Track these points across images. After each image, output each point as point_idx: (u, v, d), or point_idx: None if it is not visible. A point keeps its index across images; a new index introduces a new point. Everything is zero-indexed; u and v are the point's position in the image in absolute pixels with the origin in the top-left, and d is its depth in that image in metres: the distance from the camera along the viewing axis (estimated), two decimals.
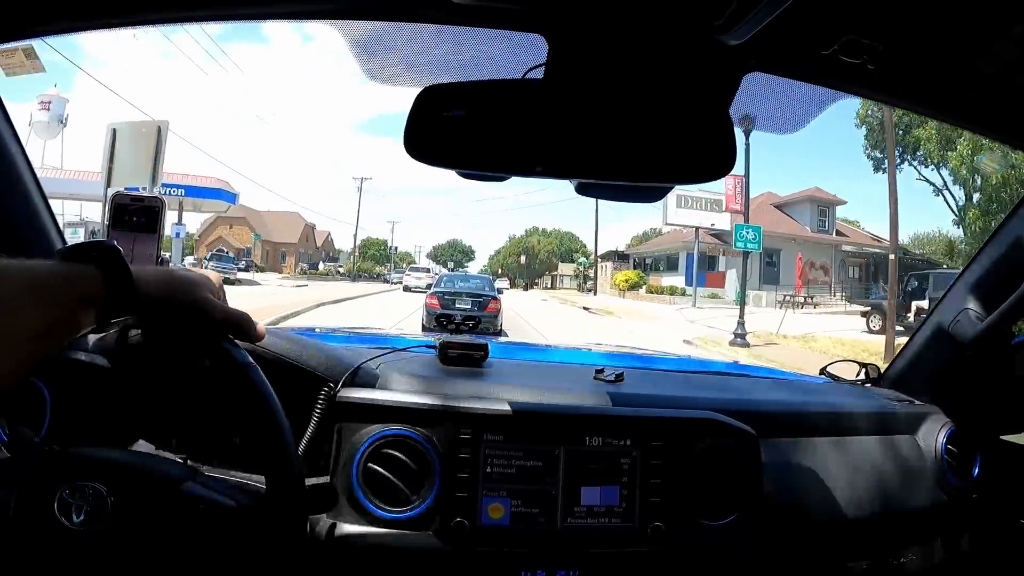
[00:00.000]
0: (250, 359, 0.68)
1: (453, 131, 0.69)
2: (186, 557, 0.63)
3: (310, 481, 0.81)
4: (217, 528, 0.63)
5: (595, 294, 35.64)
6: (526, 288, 58.69)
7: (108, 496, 0.61)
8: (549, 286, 62.68)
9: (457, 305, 10.10)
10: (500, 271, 66.02)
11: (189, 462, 0.89)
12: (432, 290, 10.89)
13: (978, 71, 0.77)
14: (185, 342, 0.64)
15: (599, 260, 42.07)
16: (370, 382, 0.90)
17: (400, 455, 0.82)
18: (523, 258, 64.12)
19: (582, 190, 0.78)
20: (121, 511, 0.61)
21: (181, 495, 0.63)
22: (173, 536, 0.62)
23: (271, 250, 52.33)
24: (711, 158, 0.71)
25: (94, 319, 0.54)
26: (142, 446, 0.93)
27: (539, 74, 0.73)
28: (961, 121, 0.91)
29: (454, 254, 79.93)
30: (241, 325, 0.66)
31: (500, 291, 12.37)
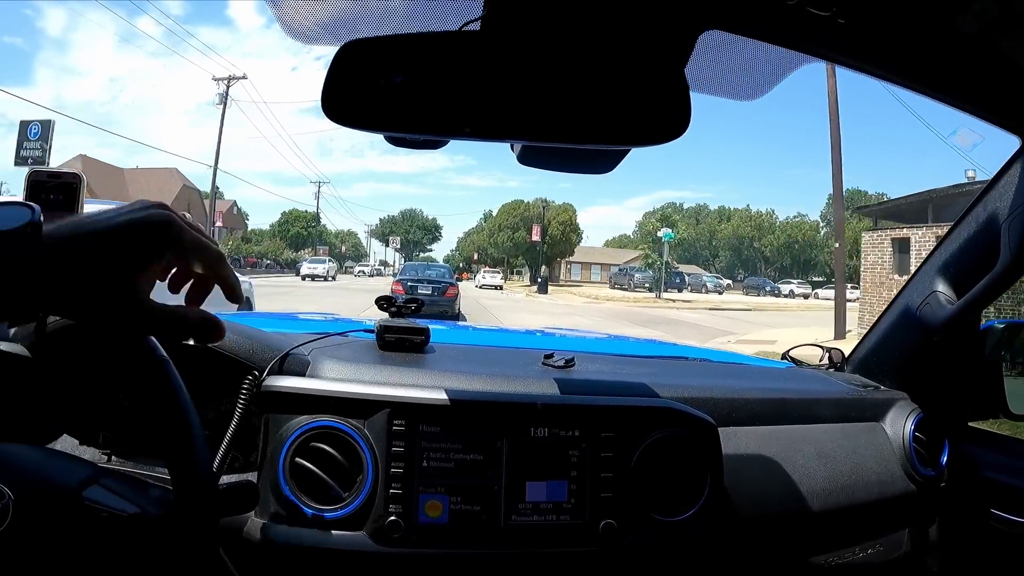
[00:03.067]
0: (163, 352, 0.61)
1: (378, 91, 0.62)
2: (84, 566, 0.56)
3: (233, 478, 0.75)
4: (119, 536, 0.57)
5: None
6: (543, 288, 31.19)
7: (9, 498, 0.55)
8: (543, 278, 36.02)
9: (419, 291, 11.86)
10: (477, 256, 49.41)
11: (113, 458, 0.83)
12: (397, 277, 12.93)
13: (957, 30, 0.72)
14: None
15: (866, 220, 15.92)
16: (299, 370, 0.83)
17: (329, 449, 0.76)
18: (535, 231, 39.79)
19: (524, 158, 0.71)
20: (20, 515, 0.55)
21: (80, 501, 0.57)
22: (70, 544, 0.56)
23: None
24: (663, 120, 0.64)
25: None
26: (66, 441, 0.86)
27: (477, 27, 0.67)
28: (938, 91, 0.86)
29: (411, 230, 57.75)
30: (201, 330, 0.51)
31: (467, 285, 14.76)
